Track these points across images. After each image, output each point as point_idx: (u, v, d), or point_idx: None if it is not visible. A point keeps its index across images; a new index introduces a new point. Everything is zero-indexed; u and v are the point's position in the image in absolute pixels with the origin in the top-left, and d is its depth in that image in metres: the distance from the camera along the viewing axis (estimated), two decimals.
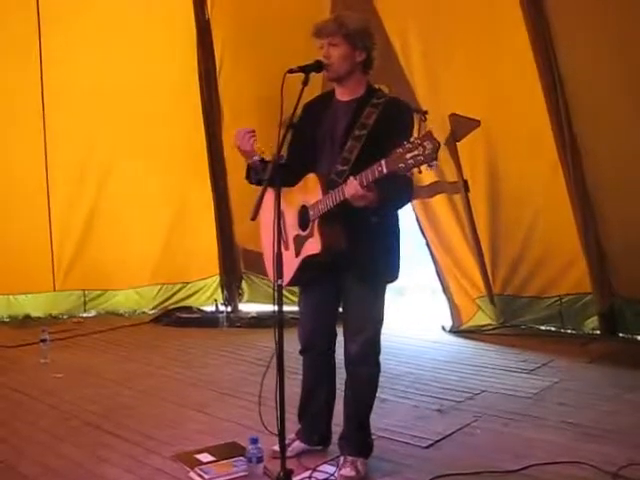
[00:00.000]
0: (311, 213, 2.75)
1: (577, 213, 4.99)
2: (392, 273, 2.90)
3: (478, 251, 5.47)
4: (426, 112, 5.26)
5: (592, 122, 4.79)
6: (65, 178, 6.20)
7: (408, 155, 2.35)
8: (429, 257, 5.72)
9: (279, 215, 2.63)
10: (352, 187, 2.53)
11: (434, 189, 5.52)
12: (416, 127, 4.52)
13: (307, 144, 2.88)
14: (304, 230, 2.80)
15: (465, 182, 5.38)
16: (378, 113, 2.74)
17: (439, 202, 5.55)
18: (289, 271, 2.76)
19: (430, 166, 2.37)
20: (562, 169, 4.95)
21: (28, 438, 3.43)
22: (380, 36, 5.05)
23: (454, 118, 5.27)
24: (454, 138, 5.32)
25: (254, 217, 2.74)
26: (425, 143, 2.34)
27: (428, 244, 5.68)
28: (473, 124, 5.20)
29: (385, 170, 2.43)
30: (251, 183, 2.96)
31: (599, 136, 4.80)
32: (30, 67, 5.90)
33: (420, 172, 2.44)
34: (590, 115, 4.77)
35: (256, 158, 2.87)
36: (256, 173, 2.88)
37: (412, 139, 2.37)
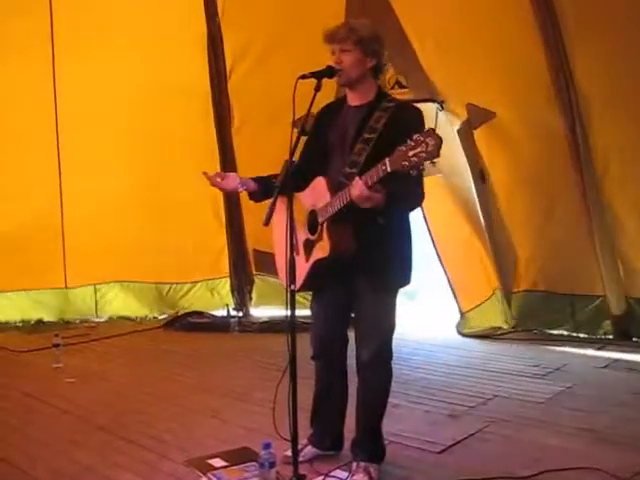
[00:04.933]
0: (320, 217, 2.75)
1: (591, 215, 4.97)
2: (404, 278, 2.89)
3: (493, 246, 5.45)
4: (443, 102, 5.27)
5: (606, 118, 4.78)
6: (77, 177, 6.23)
7: (411, 152, 2.35)
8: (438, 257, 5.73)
9: (292, 220, 2.63)
10: (357, 188, 2.52)
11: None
12: (433, 117, 4.49)
13: (320, 150, 2.89)
14: (313, 234, 2.80)
15: (481, 172, 5.36)
16: (388, 117, 2.73)
17: (452, 194, 5.55)
18: (300, 276, 2.75)
19: (432, 162, 2.36)
20: (573, 167, 4.94)
21: (41, 443, 3.44)
22: (397, 31, 5.09)
23: (471, 107, 5.29)
24: (471, 126, 5.32)
25: (267, 222, 2.74)
26: (428, 140, 2.33)
27: (433, 240, 5.67)
28: (489, 114, 5.21)
29: (389, 168, 2.42)
30: (257, 201, 2.99)
31: (612, 129, 4.80)
32: (43, 66, 5.94)
33: (424, 170, 2.43)
34: (602, 108, 4.76)
35: (245, 187, 2.92)
36: (261, 192, 2.92)
37: (415, 136, 2.35)
